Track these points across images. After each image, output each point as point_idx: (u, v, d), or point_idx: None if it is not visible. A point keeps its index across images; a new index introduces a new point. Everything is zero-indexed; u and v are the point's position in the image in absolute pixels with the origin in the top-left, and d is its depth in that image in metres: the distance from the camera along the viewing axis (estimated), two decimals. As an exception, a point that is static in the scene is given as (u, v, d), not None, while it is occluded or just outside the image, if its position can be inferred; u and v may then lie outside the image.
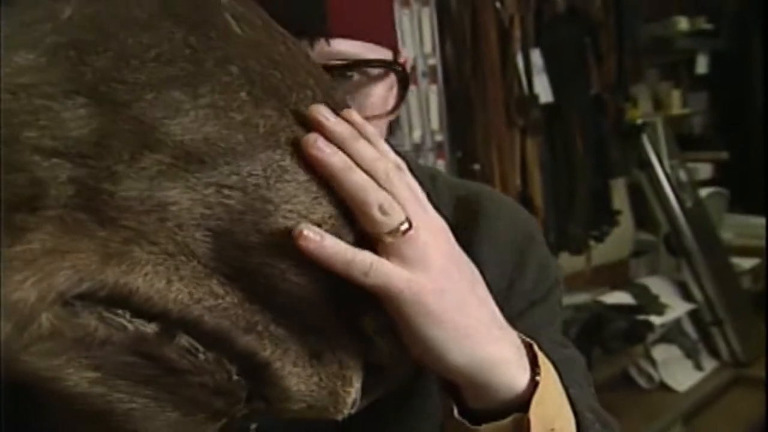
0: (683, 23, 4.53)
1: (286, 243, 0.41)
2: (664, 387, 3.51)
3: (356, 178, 0.46)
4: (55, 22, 0.32)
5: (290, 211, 0.42)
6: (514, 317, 0.71)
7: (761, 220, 4.96)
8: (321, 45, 0.62)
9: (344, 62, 0.63)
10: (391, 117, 0.69)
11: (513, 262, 0.76)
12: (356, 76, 0.65)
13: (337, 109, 0.48)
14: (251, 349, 0.43)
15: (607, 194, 3.36)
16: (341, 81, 0.63)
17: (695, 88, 5.40)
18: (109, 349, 0.39)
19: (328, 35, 0.62)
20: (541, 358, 0.57)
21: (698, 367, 3.86)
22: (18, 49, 0.31)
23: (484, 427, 0.55)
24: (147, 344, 0.40)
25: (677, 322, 3.90)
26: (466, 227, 0.74)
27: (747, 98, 5.50)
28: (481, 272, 0.65)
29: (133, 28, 0.35)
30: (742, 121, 5.48)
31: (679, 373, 3.72)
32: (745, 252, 4.70)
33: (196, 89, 0.37)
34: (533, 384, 0.55)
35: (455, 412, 0.56)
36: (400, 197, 0.48)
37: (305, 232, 0.44)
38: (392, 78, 0.68)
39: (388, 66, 0.67)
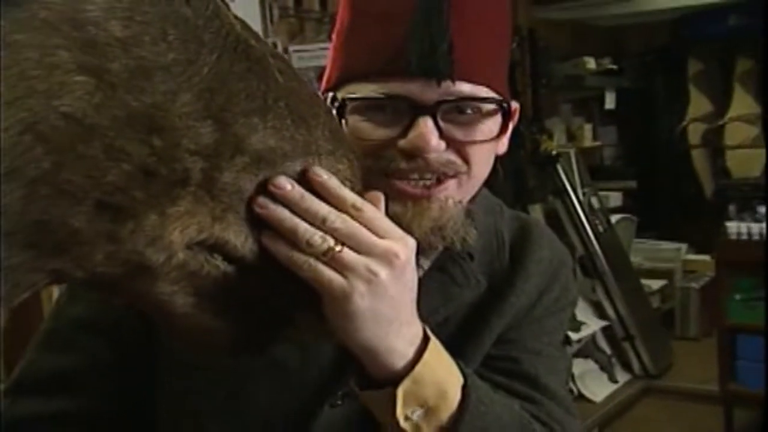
0: (591, 63, 4.88)
1: None
2: (581, 398, 3.68)
3: (287, 225, 0.63)
4: (200, 75, 0.53)
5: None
6: (533, 320, 0.94)
7: (668, 245, 5.30)
8: (447, 84, 0.80)
9: (464, 97, 0.81)
10: (497, 142, 0.87)
11: (547, 279, 0.96)
12: (470, 112, 0.83)
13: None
14: (290, 288, 0.64)
15: (526, 219, 3.61)
16: (459, 114, 0.82)
17: (605, 122, 5.75)
18: (205, 281, 0.59)
19: (454, 78, 0.80)
20: (430, 352, 0.74)
21: (612, 379, 4.08)
22: (186, 91, 0.52)
23: (365, 392, 0.75)
24: (229, 280, 0.60)
25: (592, 338, 4.12)
26: (521, 249, 0.96)
27: (651, 132, 5.90)
28: (526, 282, 0.91)
29: (235, 78, 0.56)
30: (648, 153, 5.86)
31: (595, 385, 3.95)
32: (653, 274, 4.99)
33: (265, 117, 0.58)
34: (410, 369, 0.72)
35: (353, 379, 0.75)
36: (337, 235, 0.64)
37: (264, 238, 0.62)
38: (499, 116, 0.86)
39: (496, 103, 0.85)
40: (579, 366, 3.89)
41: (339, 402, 0.86)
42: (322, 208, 0.65)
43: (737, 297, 3.48)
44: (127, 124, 0.49)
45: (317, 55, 2.66)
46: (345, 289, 0.66)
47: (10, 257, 0.48)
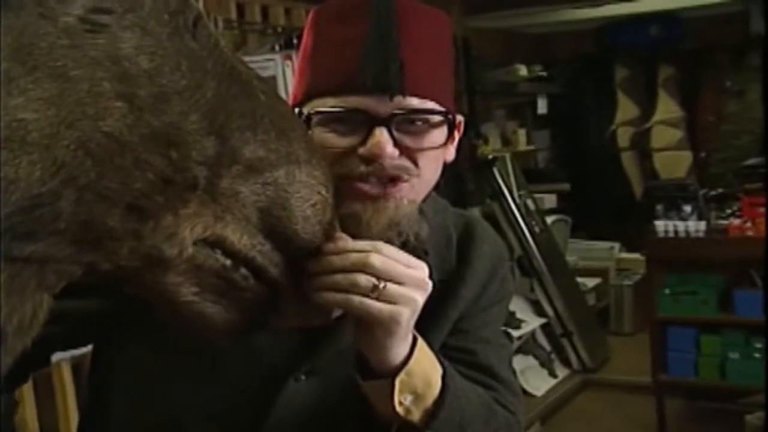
0: (523, 70, 5.05)
1: (298, 215, 0.72)
2: (523, 392, 3.78)
3: (338, 277, 0.77)
4: (205, 98, 0.62)
5: (299, 197, 0.73)
6: (479, 310, 1.05)
7: (601, 244, 5.50)
8: (399, 99, 0.89)
9: (414, 109, 0.91)
10: (444, 149, 0.97)
11: (489, 273, 1.07)
12: (419, 123, 0.93)
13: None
14: (277, 279, 0.73)
15: (466, 222, 3.73)
16: (409, 125, 0.92)
17: (538, 127, 5.94)
18: (206, 273, 0.68)
19: (404, 93, 0.90)
20: (419, 349, 0.87)
21: (552, 374, 4.26)
22: (194, 112, 0.61)
23: (368, 382, 0.87)
24: (226, 271, 0.69)
25: (532, 335, 4.28)
26: (467, 245, 1.06)
27: (583, 136, 6.11)
28: (473, 275, 1.03)
29: (231, 99, 0.65)
30: (580, 156, 6.06)
31: (536, 380, 4.11)
32: (588, 273, 5.14)
33: (255, 131, 0.67)
34: (404, 364, 0.86)
35: (358, 373, 0.87)
36: (376, 273, 0.78)
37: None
38: (445, 127, 0.95)
39: (442, 115, 0.94)
40: (520, 362, 4.02)
41: (303, 377, 0.96)
42: (359, 257, 0.79)
43: (666, 291, 3.65)
44: (151, 140, 0.58)
45: (261, 66, 2.73)
46: (394, 317, 0.81)
47: (61, 251, 0.56)
